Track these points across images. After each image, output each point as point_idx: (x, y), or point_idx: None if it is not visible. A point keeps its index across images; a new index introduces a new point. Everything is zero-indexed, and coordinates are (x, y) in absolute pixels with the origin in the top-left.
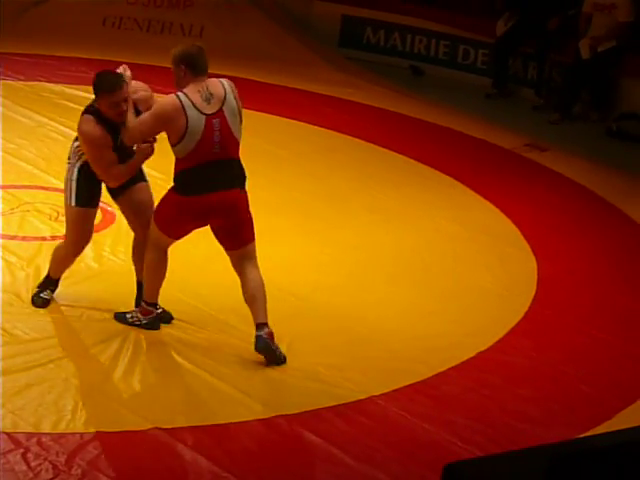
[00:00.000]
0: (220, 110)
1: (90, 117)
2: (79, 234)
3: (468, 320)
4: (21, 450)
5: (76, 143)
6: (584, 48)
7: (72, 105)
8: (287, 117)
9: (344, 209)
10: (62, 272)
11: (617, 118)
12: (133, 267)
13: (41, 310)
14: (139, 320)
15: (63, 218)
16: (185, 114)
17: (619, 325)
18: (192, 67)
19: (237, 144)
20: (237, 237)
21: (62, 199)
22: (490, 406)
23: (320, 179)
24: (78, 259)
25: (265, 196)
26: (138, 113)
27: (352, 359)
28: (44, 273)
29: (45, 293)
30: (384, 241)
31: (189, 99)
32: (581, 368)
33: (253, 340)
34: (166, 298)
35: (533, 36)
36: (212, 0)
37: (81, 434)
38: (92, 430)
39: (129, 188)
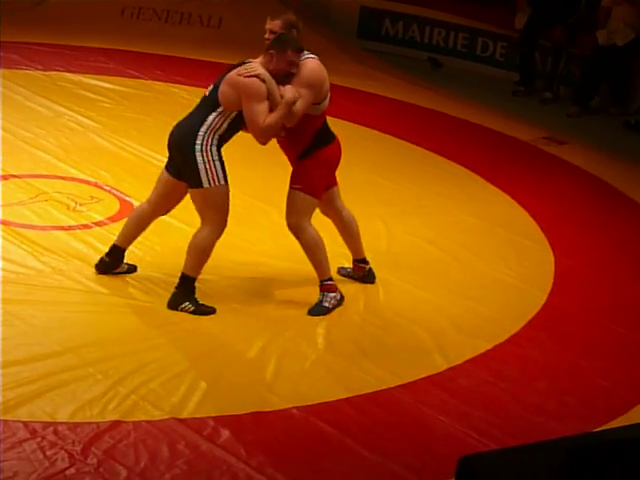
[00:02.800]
0: None
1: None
2: (226, 213)
3: (485, 313)
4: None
5: (212, 115)
6: (602, 36)
7: (90, 95)
8: None
9: (361, 201)
10: (201, 268)
11: (636, 111)
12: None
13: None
14: (334, 299)
15: (80, 208)
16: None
17: (636, 318)
18: (300, 49)
19: None
20: (334, 173)
21: (79, 189)
22: (506, 399)
23: (337, 170)
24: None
25: (282, 187)
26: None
27: (368, 350)
28: (59, 263)
29: (200, 302)
30: (401, 233)
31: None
32: (597, 361)
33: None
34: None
35: (551, 29)
36: None
37: (97, 423)
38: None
39: (186, 187)
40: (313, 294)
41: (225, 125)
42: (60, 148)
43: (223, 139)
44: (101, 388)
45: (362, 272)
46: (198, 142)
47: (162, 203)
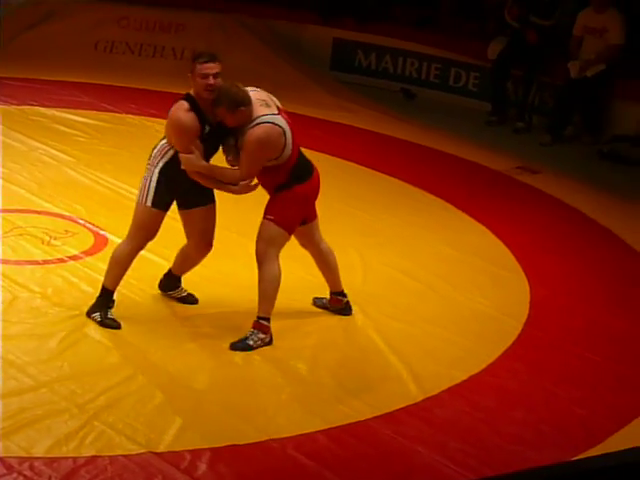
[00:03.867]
0: (278, 107)
1: (183, 102)
2: (146, 233)
3: (461, 343)
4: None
5: (163, 141)
6: (573, 68)
7: (64, 129)
8: None
9: (336, 232)
10: (120, 280)
11: (609, 140)
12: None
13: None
14: (262, 340)
15: (55, 242)
16: (280, 127)
17: (612, 347)
18: (247, 103)
19: None
20: (314, 207)
21: (54, 223)
22: (483, 429)
23: None
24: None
25: (253, 218)
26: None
27: (344, 382)
28: (35, 298)
29: (110, 313)
30: (376, 264)
31: (270, 116)
32: (574, 390)
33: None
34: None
35: (523, 58)
36: (204, 24)
37: (74, 458)
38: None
39: (202, 207)
40: (288, 327)
41: (171, 152)
42: (34, 182)
43: (170, 166)
44: (77, 423)
45: (339, 305)
46: (149, 161)
47: (193, 237)
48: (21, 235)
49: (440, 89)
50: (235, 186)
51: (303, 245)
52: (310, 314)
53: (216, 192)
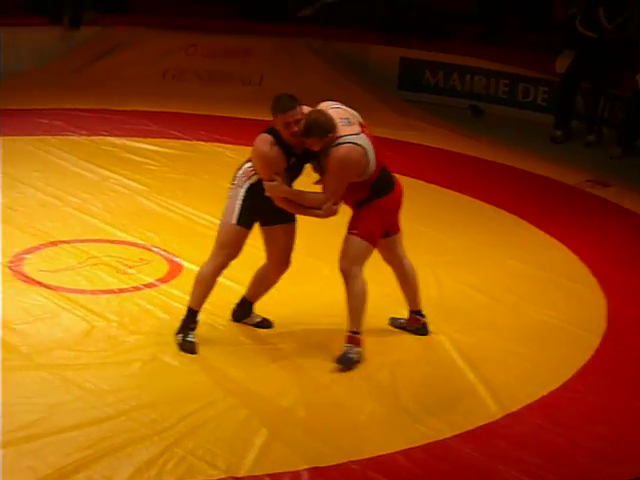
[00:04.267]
0: (360, 123)
1: (267, 136)
2: (231, 250)
3: (537, 358)
4: None
5: (248, 164)
6: None
7: (135, 158)
8: None
9: (408, 251)
10: (205, 300)
11: None
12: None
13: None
14: (359, 353)
15: (130, 270)
16: (362, 147)
17: None
18: (334, 128)
19: None
20: (396, 220)
21: (128, 251)
22: (563, 445)
23: None
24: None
25: (330, 239)
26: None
27: (422, 401)
28: (112, 326)
29: (191, 335)
30: (450, 282)
31: (351, 136)
32: None
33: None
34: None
35: (591, 71)
36: (271, 48)
37: None
38: None
39: (283, 225)
40: (366, 347)
41: (256, 176)
42: (107, 212)
43: (255, 188)
44: (157, 450)
45: (417, 324)
46: (233, 182)
47: (272, 255)
48: (96, 265)
49: (509, 104)
50: (319, 210)
51: (386, 259)
52: (387, 333)
53: None
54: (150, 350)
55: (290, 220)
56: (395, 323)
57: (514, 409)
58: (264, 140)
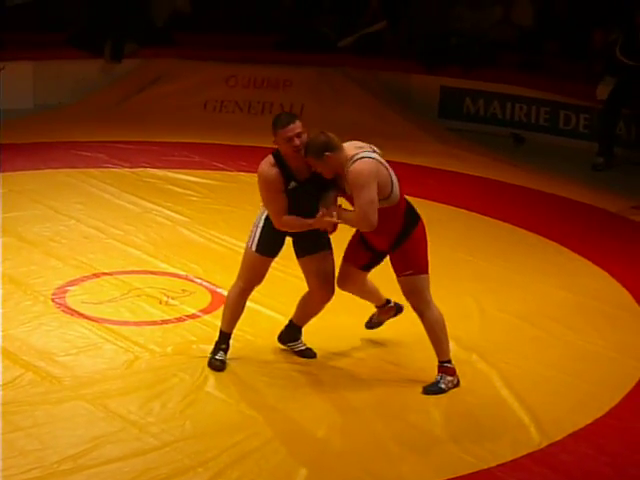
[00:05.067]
0: (372, 149)
1: (269, 157)
2: (251, 276)
3: (582, 386)
4: None
5: None
6: None
7: (177, 189)
8: None
9: (450, 279)
10: (235, 322)
11: None
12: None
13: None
14: (451, 382)
15: (173, 302)
16: (381, 162)
17: None
18: (333, 148)
19: None
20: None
21: (171, 283)
22: (609, 473)
23: None
24: None
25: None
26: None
27: (466, 430)
28: (155, 358)
29: (220, 354)
30: (493, 310)
31: (369, 153)
32: None
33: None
34: None
35: (633, 98)
36: (311, 78)
37: None
38: None
39: (315, 254)
40: (408, 375)
41: None
42: (149, 243)
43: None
44: None
45: (392, 311)
46: (260, 209)
47: (314, 284)
48: (139, 296)
49: (550, 132)
50: (311, 220)
51: (346, 287)
52: (430, 362)
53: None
54: (193, 381)
55: (320, 249)
56: (369, 325)
57: (559, 438)
58: (265, 160)
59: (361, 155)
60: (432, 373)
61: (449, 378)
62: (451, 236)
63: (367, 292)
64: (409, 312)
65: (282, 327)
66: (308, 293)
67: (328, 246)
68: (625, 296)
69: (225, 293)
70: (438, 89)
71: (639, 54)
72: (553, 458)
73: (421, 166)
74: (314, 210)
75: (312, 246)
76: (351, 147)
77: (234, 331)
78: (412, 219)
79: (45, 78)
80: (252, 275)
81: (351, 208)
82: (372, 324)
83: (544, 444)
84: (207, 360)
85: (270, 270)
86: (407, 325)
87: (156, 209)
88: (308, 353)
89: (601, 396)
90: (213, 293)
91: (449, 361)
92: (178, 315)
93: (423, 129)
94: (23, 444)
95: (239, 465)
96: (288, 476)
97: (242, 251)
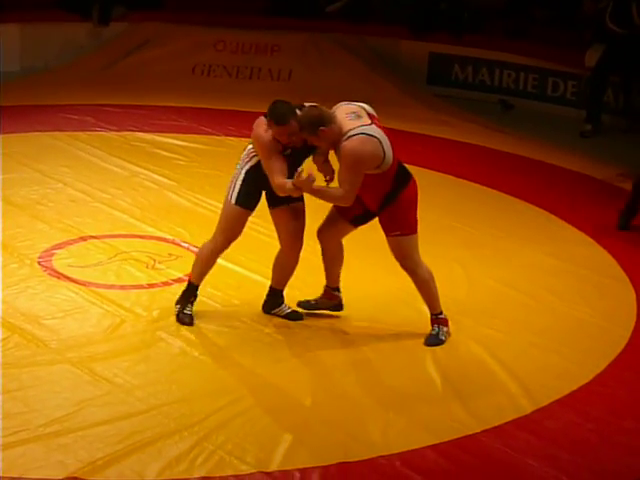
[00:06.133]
0: (370, 115)
1: (263, 120)
2: (229, 231)
3: (568, 353)
4: None
5: (250, 146)
6: None
7: (164, 153)
8: None
9: (439, 246)
10: (204, 276)
11: None
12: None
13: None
14: (447, 333)
15: (159, 266)
16: (374, 136)
17: None
18: (327, 122)
19: None
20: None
21: (157, 247)
22: (594, 440)
23: None
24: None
25: (361, 235)
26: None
27: (451, 396)
28: (142, 321)
29: (188, 308)
30: (482, 276)
31: (362, 127)
32: None
33: None
34: None
35: (621, 65)
36: (299, 44)
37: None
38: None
39: (287, 206)
40: (392, 344)
41: (257, 158)
42: (137, 207)
43: (255, 169)
44: (187, 445)
45: (335, 300)
46: (238, 163)
47: (284, 238)
48: (125, 260)
49: (538, 99)
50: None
51: (324, 237)
52: (415, 329)
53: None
54: (179, 345)
55: (295, 200)
56: (307, 305)
57: (544, 404)
58: (259, 124)
59: (357, 131)
60: (416, 334)
61: (445, 329)
62: (439, 203)
63: (335, 259)
64: (396, 269)
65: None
66: (280, 253)
67: (301, 199)
68: (612, 264)
69: None
70: (427, 55)
71: (628, 22)
72: (538, 424)
73: (409, 132)
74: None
75: (285, 197)
76: (343, 115)
77: (219, 295)
78: (402, 180)
79: (32, 41)
80: (230, 229)
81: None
82: (308, 304)
83: (529, 410)
84: (175, 313)
85: (258, 235)
86: (392, 282)
87: (143, 173)
88: (294, 315)
89: (587, 363)
90: None
91: (441, 312)
92: (164, 279)
93: (412, 95)
94: (9, 407)
95: (224, 429)
96: (273, 440)
97: None
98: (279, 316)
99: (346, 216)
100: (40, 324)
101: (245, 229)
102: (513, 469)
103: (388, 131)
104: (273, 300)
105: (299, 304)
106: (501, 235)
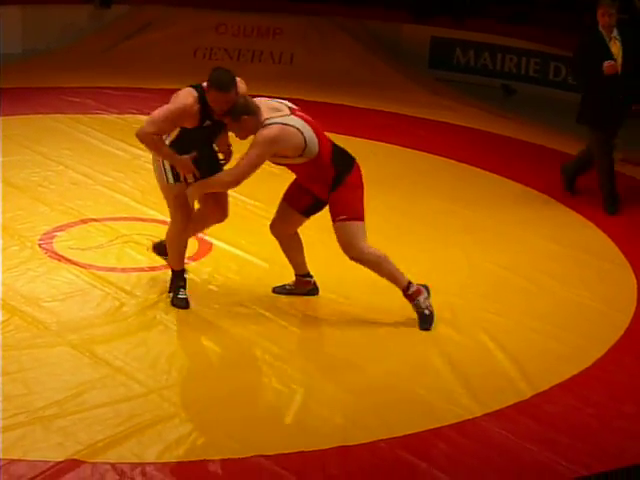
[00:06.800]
0: (290, 107)
1: (194, 92)
2: (183, 207)
3: (568, 338)
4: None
5: None
6: None
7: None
8: (379, 140)
9: (440, 230)
10: (183, 258)
11: None
12: None
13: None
14: (427, 299)
15: None
16: (289, 125)
17: None
18: (251, 111)
19: None
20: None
21: (158, 230)
22: (594, 424)
23: (415, 201)
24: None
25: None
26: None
27: (452, 380)
28: (142, 304)
29: (181, 293)
30: (482, 261)
31: (277, 118)
32: None
33: None
34: None
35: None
36: (301, 27)
37: (185, 462)
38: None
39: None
40: (390, 328)
41: (174, 133)
42: (138, 190)
43: (178, 141)
44: (187, 428)
45: (309, 286)
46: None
47: (204, 202)
48: (126, 243)
49: (540, 83)
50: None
51: (278, 231)
52: (411, 313)
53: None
54: (180, 328)
55: (219, 170)
56: (282, 290)
57: (544, 388)
58: (190, 93)
59: (273, 121)
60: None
61: (421, 298)
62: (440, 187)
63: (294, 249)
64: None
65: (269, 274)
66: (199, 211)
67: (222, 168)
68: (612, 248)
69: (213, 241)
70: (429, 39)
71: (630, 7)
72: (538, 409)
73: (410, 116)
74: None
75: (211, 168)
76: (264, 108)
77: (220, 278)
78: (345, 164)
79: (34, 23)
80: (183, 206)
81: None
82: (283, 290)
83: (529, 395)
84: (170, 300)
85: (259, 219)
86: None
87: (144, 156)
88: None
89: (587, 348)
90: (200, 240)
91: (410, 284)
92: (165, 262)
93: (413, 79)
94: (9, 389)
95: (224, 412)
96: (272, 423)
97: (230, 199)
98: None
99: (297, 207)
100: (40, 306)
101: (245, 212)
102: (513, 453)
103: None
104: (162, 246)
105: (274, 290)
106: (501, 219)
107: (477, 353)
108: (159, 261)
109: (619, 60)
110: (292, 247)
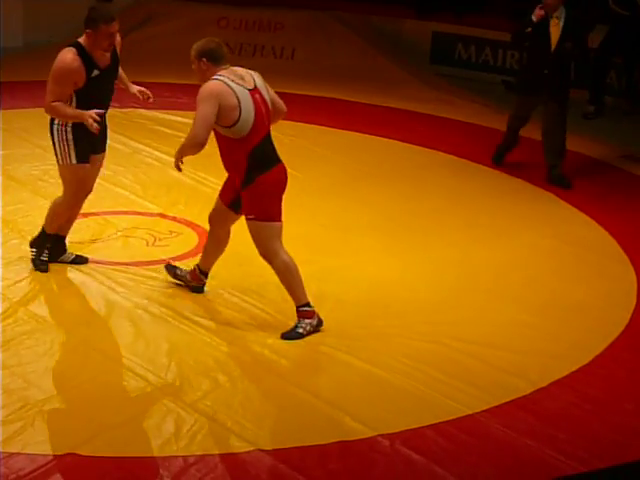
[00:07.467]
0: (255, 87)
1: (71, 49)
2: (81, 188)
3: (568, 334)
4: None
5: None
6: None
7: (166, 130)
8: (380, 135)
9: (441, 225)
10: (56, 227)
11: None
12: None
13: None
14: (310, 325)
15: (160, 243)
16: (232, 89)
17: None
18: (213, 59)
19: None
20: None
21: (158, 224)
22: (593, 420)
23: (415, 196)
24: None
25: (361, 215)
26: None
27: (451, 375)
28: (143, 297)
29: (44, 255)
30: (482, 256)
31: (226, 77)
32: None
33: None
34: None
35: (624, 47)
36: (303, 22)
37: (184, 457)
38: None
39: (101, 154)
40: (394, 325)
41: (74, 100)
42: (138, 184)
43: (80, 125)
44: (186, 421)
45: (200, 283)
46: (55, 121)
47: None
48: (126, 237)
49: None
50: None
51: (213, 222)
52: (411, 309)
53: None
54: (179, 322)
55: (103, 150)
56: (172, 272)
57: (543, 385)
58: (67, 51)
59: (216, 77)
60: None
61: (307, 321)
62: (440, 182)
63: (218, 246)
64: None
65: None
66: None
67: (104, 148)
68: (612, 244)
69: None
70: (430, 35)
71: (631, 3)
72: (537, 405)
73: (411, 111)
74: (110, 96)
75: (103, 145)
76: (230, 71)
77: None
78: (263, 163)
79: (35, 16)
80: (85, 185)
81: None
82: (172, 272)
83: (528, 391)
84: (31, 258)
85: None
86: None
87: (145, 150)
88: (79, 260)
89: (586, 344)
90: (200, 235)
91: (307, 304)
92: (165, 257)
93: (414, 75)
94: (8, 382)
95: (223, 407)
96: (272, 418)
97: None
98: (67, 263)
99: (225, 201)
100: (40, 300)
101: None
102: (511, 449)
103: (387, 113)
104: (57, 248)
105: (166, 267)
106: (501, 215)
107: (475, 348)
108: (159, 255)
109: (554, 39)
110: (217, 243)
